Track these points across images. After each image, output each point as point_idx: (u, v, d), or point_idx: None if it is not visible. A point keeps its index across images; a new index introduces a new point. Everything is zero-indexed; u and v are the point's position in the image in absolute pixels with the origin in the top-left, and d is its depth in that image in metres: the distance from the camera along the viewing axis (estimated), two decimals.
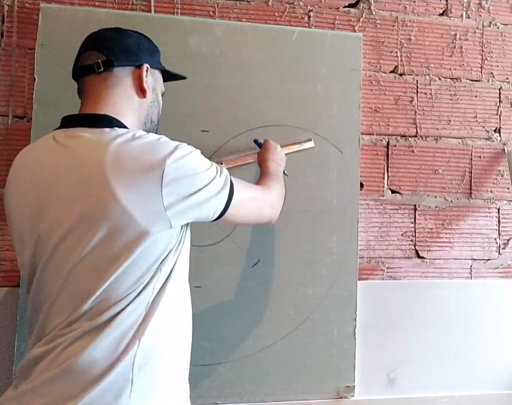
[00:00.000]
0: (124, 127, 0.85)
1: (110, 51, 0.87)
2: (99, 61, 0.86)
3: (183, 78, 1.07)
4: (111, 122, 0.84)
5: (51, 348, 0.77)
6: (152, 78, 0.93)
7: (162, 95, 0.99)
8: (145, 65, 0.90)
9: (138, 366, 0.77)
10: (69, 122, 0.87)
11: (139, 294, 0.78)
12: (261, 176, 1.12)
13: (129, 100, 0.89)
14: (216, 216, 0.87)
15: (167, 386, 0.83)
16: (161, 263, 0.80)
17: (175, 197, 0.78)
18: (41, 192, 0.81)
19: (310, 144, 1.34)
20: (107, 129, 0.82)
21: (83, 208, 0.77)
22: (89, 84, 0.88)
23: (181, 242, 0.85)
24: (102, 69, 0.86)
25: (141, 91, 0.90)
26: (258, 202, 0.99)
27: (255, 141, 1.26)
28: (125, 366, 0.76)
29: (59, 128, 0.87)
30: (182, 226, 0.85)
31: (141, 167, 0.77)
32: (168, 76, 1.02)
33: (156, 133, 0.92)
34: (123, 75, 0.88)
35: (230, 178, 0.89)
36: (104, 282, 0.76)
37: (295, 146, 1.33)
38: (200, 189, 0.82)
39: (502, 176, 1.51)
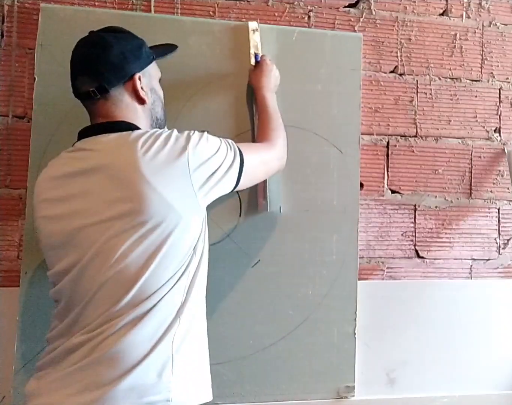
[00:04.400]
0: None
1: (100, 75, 0.90)
2: (94, 89, 0.89)
3: (174, 48, 1.08)
4: (130, 127, 0.89)
5: (93, 336, 0.79)
6: (146, 79, 0.96)
7: (159, 81, 1.02)
8: (136, 75, 0.93)
9: (177, 343, 0.82)
10: (86, 133, 0.91)
11: (180, 277, 0.84)
12: (260, 119, 1.17)
13: (134, 110, 0.94)
14: (234, 185, 0.94)
15: (202, 361, 0.89)
16: (194, 246, 0.87)
17: (202, 179, 0.86)
18: (73, 195, 0.85)
19: (254, 25, 1.31)
20: (128, 132, 0.88)
21: (121, 201, 0.81)
22: (92, 107, 0.93)
23: (205, 225, 0.93)
24: (99, 96, 0.90)
25: (140, 100, 0.94)
26: (266, 161, 1.05)
27: (255, 56, 1.28)
28: (165, 345, 0.80)
29: (77, 141, 0.92)
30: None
31: (167, 158, 0.84)
32: (160, 52, 1.03)
33: (165, 125, 1.01)
34: (119, 93, 0.92)
35: (238, 147, 0.95)
36: (146, 270, 0.80)
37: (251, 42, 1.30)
38: (219, 166, 0.89)
39: (502, 176, 1.51)
